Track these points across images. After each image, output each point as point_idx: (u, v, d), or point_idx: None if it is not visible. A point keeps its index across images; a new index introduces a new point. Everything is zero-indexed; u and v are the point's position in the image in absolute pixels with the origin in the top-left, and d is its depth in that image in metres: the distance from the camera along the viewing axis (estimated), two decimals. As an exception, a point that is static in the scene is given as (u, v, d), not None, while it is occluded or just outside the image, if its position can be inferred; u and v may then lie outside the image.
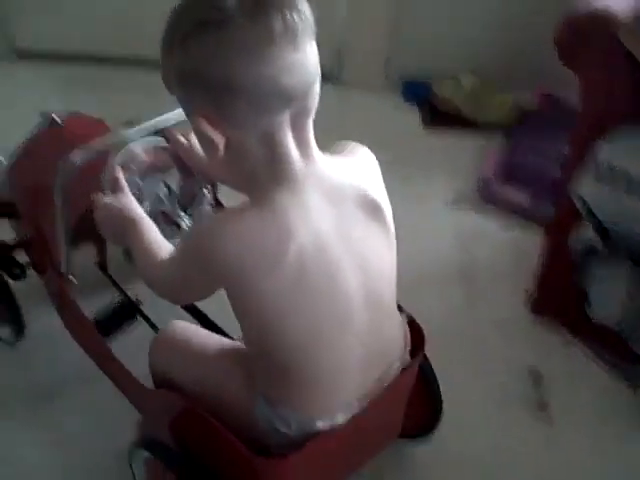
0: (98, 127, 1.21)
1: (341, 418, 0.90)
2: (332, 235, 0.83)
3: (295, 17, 0.76)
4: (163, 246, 0.96)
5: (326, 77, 1.79)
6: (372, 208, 0.87)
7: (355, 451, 1.01)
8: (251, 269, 0.79)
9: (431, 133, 2.03)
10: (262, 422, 0.89)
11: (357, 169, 0.88)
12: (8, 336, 1.35)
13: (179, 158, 1.10)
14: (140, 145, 1.08)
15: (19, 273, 1.27)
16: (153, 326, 1.26)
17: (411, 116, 2.09)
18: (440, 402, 1.14)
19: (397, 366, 0.96)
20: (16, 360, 1.35)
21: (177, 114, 1.05)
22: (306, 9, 0.78)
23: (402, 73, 2.15)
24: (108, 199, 1.00)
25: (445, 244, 1.70)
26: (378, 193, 0.89)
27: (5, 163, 1.26)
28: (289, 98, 0.78)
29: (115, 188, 1.01)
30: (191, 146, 1.08)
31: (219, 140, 0.80)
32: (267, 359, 0.87)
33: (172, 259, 0.91)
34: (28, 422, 1.25)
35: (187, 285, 0.90)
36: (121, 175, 1.02)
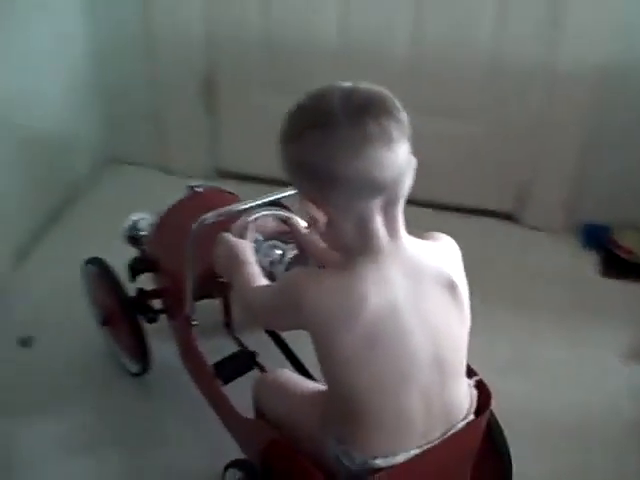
0: (231, 198, 1.43)
1: (401, 459, 1.02)
2: (406, 304, 0.98)
3: (391, 123, 0.92)
4: (262, 281, 1.14)
5: (506, 216, 1.98)
6: (448, 286, 1.02)
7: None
8: (331, 321, 0.96)
9: (608, 281, 1.97)
10: (331, 456, 1.05)
11: (438, 251, 1.04)
12: (136, 370, 1.57)
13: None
14: (269, 213, 1.29)
15: (153, 317, 1.49)
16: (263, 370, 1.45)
17: (588, 261, 2.02)
18: (510, 466, 1.24)
19: (461, 426, 1.08)
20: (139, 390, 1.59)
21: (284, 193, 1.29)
22: (402, 116, 0.94)
23: (582, 217, 2.09)
24: (229, 237, 1.21)
25: (615, 400, 1.62)
26: (456, 274, 1.03)
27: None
28: (380, 188, 0.93)
29: (240, 234, 1.23)
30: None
31: (321, 218, 0.96)
32: (338, 403, 1.03)
33: (269, 290, 1.09)
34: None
35: (275, 316, 1.07)
36: (250, 227, 1.25)
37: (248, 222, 1.25)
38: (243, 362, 1.45)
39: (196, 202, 1.38)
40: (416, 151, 1.87)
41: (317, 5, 1.89)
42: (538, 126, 1.93)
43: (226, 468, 1.21)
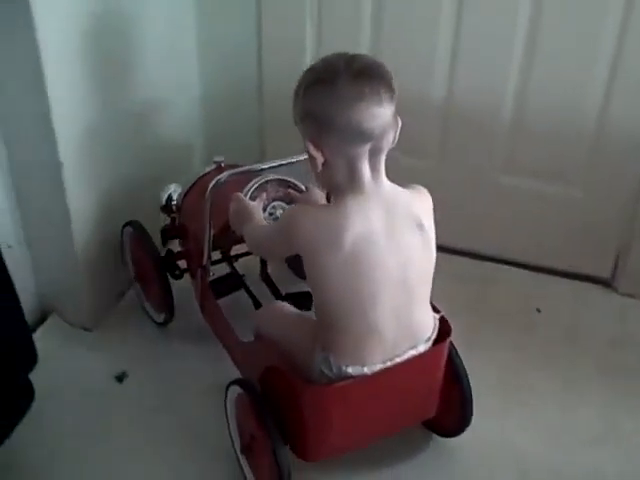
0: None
1: (368, 370, 1.23)
2: (381, 234, 1.20)
3: (382, 86, 1.15)
4: (265, 226, 1.40)
5: (602, 282, 2.06)
6: (417, 225, 1.24)
7: (386, 409, 1.32)
8: (318, 246, 1.18)
9: None
10: (316, 366, 1.25)
11: (413, 197, 1.26)
12: (161, 320, 1.80)
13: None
14: (273, 179, 1.53)
15: (178, 274, 1.73)
16: (257, 302, 1.68)
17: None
18: (470, 400, 1.41)
19: (423, 348, 1.28)
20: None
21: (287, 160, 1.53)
22: (392, 83, 1.17)
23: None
24: (241, 196, 1.46)
25: None
26: (425, 217, 1.25)
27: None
28: (368, 137, 1.16)
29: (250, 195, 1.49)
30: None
31: (320, 159, 1.19)
32: (322, 316, 1.25)
33: (269, 229, 1.36)
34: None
35: (276, 245, 1.30)
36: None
37: (257, 182, 1.49)
38: (234, 281, 1.71)
39: (217, 174, 1.57)
40: (515, 210, 2.00)
41: (427, 63, 1.92)
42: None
43: (228, 386, 1.42)
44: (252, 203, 1.47)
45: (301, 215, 1.23)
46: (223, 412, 1.50)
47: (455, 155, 2.02)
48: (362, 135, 1.15)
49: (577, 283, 2.06)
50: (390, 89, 1.16)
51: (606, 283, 2.05)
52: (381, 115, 1.15)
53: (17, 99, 1.55)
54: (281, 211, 1.52)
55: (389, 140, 1.19)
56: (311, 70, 1.20)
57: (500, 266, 2.10)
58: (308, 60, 2.01)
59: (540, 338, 1.85)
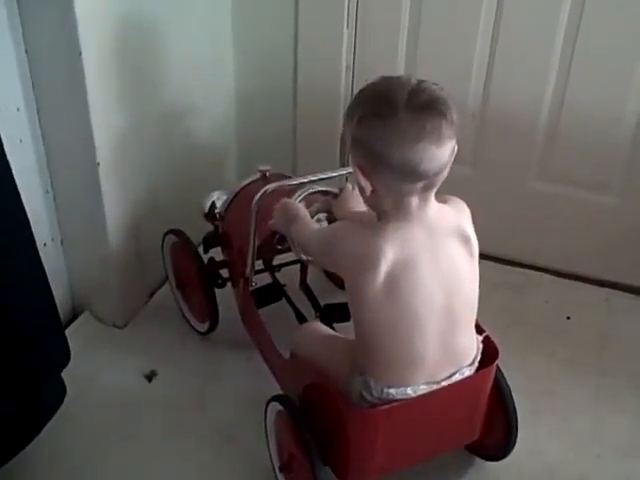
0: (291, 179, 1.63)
1: (411, 392, 1.21)
2: (424, 261, 1.16)
3: (445, 124, 1.07)
4: (314, 224, 1.37)
5: (632, 291, 2.02)
6: (464, 240, 1.21)
7: (429, 432, 1.30)
8: (355, 265, 1.16)
9: None
10: (355, 388, 1.24)
11: (455, 211, 1.23)
12: (204, 330, 1.79)
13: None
14: (319, 189, 1.52)
15: (221, 283, 1.72)
16: (300, 316, 1.67)
17: None
18: (515, 421, 1.39)
19: (468, 371, 1.26)
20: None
21: (337, 172, 1.53)
22: (455, 118, 1.08)
23: None
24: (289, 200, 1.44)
25: None
26: (469, 229, 1.22)
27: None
28: (423, 178, 1.09)
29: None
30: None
31: (367, 187, 1.14)
32: (362, 339, 1.23)
33: (317, 234, 1.31)
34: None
35: (321, 256, 1.28)
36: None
37: (302, 193, 1.47)
38: (275, 291, 1.70)
39: (263, 183, 1.56)
40: (548, 216, 2.00)
41: (464, 69, 1.91)
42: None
43: (268, 402, 1.41)
44: (301, 206, 1.44)
45: (346, 233, 1.20)
46: (254, 416, 1.51)
47: (489, 161, 2.01)
48: (417, 176, 1.09)
49: (609, 291, 2.04)
50: (451, 126, 1.08)
51: (638, 291, 2.04)
52: (439, 156, 1.08)
53: (57, 100, 1.55)
54: (325, 223, 1.50)
55: (444, 176, 1.13)
56: (368, 97, 1.12)
57: (531, 272, 2.09)
58: (344, 70, 2.02)
59: (570, 345, 1.84)
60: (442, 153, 1.09)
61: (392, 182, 1.11)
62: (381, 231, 1.16)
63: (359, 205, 1.43)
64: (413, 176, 1.09)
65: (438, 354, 1.21)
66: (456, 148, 1.12)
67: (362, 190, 1.16)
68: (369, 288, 1.15)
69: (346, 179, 1.88)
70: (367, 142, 1.10)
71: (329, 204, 1.51)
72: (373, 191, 1.14)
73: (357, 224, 1.22)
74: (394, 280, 1.15)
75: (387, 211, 1.16)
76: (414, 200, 1.14)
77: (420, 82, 1.09)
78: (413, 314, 1.18)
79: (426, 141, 1.06)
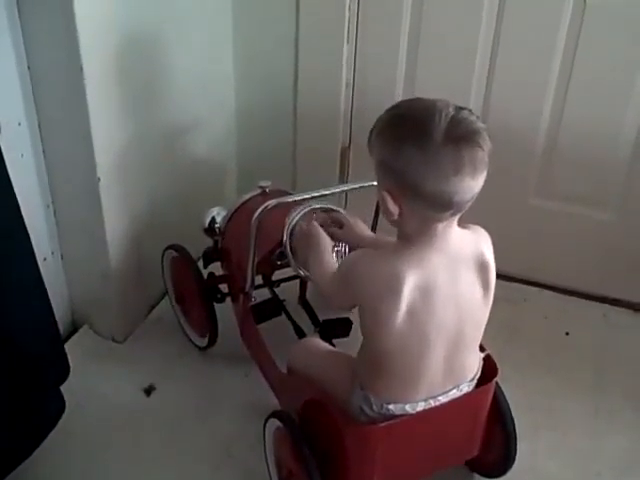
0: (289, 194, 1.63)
1: (410, 409, 1.21)
2: (442, 286, 1.15)
3: (480, 155, 1.05)
4: (332, 263, 1.34)
5: (630, 307, 2.01)
6: (482, 267, 1.20)
7: (428, 448, 1.30)
8: (377, 294, 1.14)
9: None
10: (355, 403, 1.24)
11: (475, 238, 1.21)
12: (203, 344, 1.79)
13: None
14: (319, 206, 1.51)
15: (220, 298, 1.71)
16: (299, 331, 1.67)
17: None
18: (514, 437, 1.39)
19: (467, 388, 1.27)
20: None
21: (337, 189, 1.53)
22: (489, 147, 1.06)
23: None
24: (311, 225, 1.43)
25: None
26: (488, 256, 1.21)
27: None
28: (454, 207, 1.08)
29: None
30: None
31: (395, 211, 1.11)
32: (367, 356, 1.23)
33: (333, 273, 1.28)
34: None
35: (337, 294, 1.25)
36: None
37: (301, 210, 1.47)
38: (275, 306, 1.70)
39: (263, 199, 1.56)
40: (546, 232, 2.01)
41: (463, 85, 1.91)
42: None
43: (267, 418, 1.41)
44: (325, 236, 1.41)
45: (364, 262, 1.17)
46: (252, 431, 1.50)
47: (488, 177, 2.00)
48: (449, 206, 1.08)
49: (607, 307, 2.05)
50: (486, 155, 1.06)
51: (636, 307, 2.05)
52: (474, 187, 1.07)
53: (58, 114, 1.56)
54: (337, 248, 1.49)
55: (471, 202, 1.11)
56: (403, 122, 1.08)
57: (529, 288, 2.09)
58: (344, 85, 2.02)
59: (569, 362, 1.84)
60: (476, 184, 1.07)
61: (422, 210, 1.09)
62: (404, 256, 1.14)
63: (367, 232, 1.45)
64: (445, 206, 1.08)
65: (440, 373, 1.22)
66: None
67: (388, 212, 1.13)
68: (389, 313, 1.14)
69: (345, 195, 1.89)
70: (401, 171, 1.07)
71: (331, 233, 1.49)
72: (400, 215, 1.12)
73: (375, 251, 1.21)
74: (414, 306, 1.14)
75: (410, 235, 1.15)
76: (440, 226, 1.13)
77: (458, 111, 1.06)
78: (425, 339, 1.17)
79: (462, 174, 1.04)
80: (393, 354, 1.18)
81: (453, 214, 1.11)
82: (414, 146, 1.04)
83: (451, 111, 1.05)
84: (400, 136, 1.07)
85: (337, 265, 1.33)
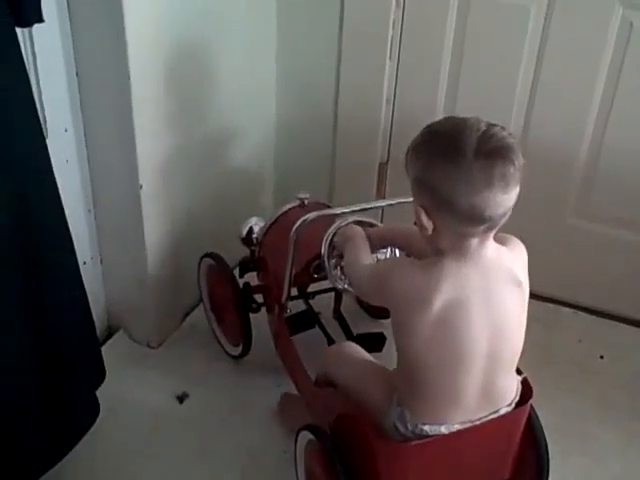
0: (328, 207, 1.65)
1: (445, 430, 1.21)
2: (476, 302, 1.15)
3: (512, 171, 1.06)
4: (367, 258, 1.34)
5: None
6: (517, 284, 1.19)
7: (460, 469, 1.30)
8: (407, 302, 1.15)
9: None
10: (389, 419, 1.24)
11: (512, 254, 1.21)
12: (237, 353, 1.79)
13: None
14: (358, 219, 1.51)
15: (256, 308, 1.72)
16: (332, 341, 1.67)
17: None
18: (546, 461, 1.38)
19: (504, 411, 1.25)
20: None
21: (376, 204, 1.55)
22: (521, 162, 1.07)
23: None
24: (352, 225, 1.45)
25: None
26: (523, 274, 1.21)
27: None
28: (487, 221, 1.08)
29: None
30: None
31: (429, 226, 1.12)
32: (403, 372, 1.22)
33: (368, 269, 1.29)
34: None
35: (369, 291, 1.28)
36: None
37: (340, 224, 1.48)
38: (309, 319, 1.71)
39: (302, 211, 1.58)
40: (583, 253, 2.00)
41: (505, 103, 1.90)
42: None
43: (299, 431, 1.41)
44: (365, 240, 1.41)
45: (399, 270, 1.19)
46: (282, 441, 1.51)
47: (526, 195, 2.00)
48: (482, 220, 1.08)
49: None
50: (518, 170, 1.07)
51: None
52: (506, 202, 1.08)
53: (104, 122, 1.59)
54: (384, 251, 1.49)
55: (507, 217, 1.11)
56: (436, 139, 1.11)
57: (566, 309, 2.08)
58: (384, 101, 2.03)
59: (602, 386, 1.82)
60: (509, 198, 1.08)
61: (456, 225, 1.10)
62: (437, 268, 1.15)
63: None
64: (478, 221, 1.08)
65: (477, 395, 1.21)
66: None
67: (422, 228, 1.14)
68: (420, 324, 1.14)
69: (382, 211, 1.89)
70: (434, 186, 1.09)
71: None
72: (434, 230, 1.13)
73: (412, 260, 1.21)
74: (445, 319, 1.14)
75: (445, 250, 1.15)
76: (474, 241, 1.13)
77: (489, 127, 1.08)
78: (459, 356, 1.17)
79: (494, 189, 1.05)
80: (426, 368, 1.18)
81: (487, 230, 1.11)
82: (446, 161, 1.07)
83: (482, 127, 1.07)
84: (433, 152, 1.09)
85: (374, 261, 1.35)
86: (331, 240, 1.47)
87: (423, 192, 1.12)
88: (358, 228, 1.43)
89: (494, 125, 1.09)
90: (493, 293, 1.17)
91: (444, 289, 1.13)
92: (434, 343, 1.15)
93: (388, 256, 1.47)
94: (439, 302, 1.13)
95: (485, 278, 1.16)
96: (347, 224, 1.49)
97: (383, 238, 1.45)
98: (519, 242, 1.24)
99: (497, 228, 1.13)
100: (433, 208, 1.11)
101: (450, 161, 1.06)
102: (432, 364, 1.17)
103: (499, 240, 1.19)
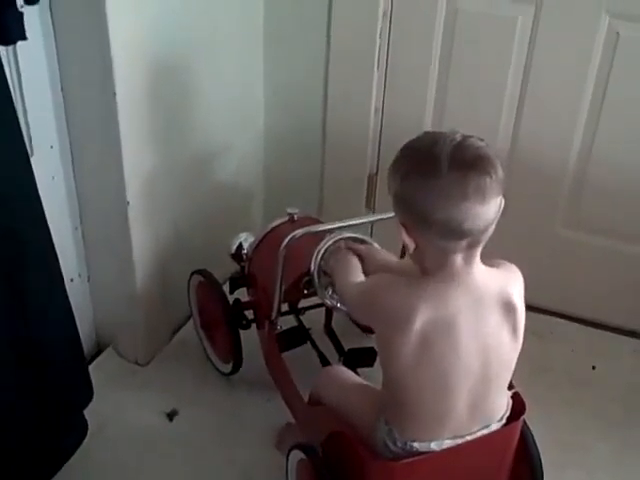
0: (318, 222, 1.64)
1: (435, 447, 1.19)
2: (464, 324, 1.13)
3: (489, 182, 1.03)
4: (359, 277, 1.33)
5: None
6: (508, 309, 1.16)
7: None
8: (389, 320, 1.13)
9: None
10: (379, 437, 1.22)
11: (504, 277, 1.18)
12: (227, 370, 1.78)
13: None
14: (349, 236, 1.50)
15: (246, 324, 1.70)
16: (324, 360, 1.67)
17: None
18: (540, 475, 1.37)
19: (495, 427, 1.24)
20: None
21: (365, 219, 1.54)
22: (500, 174, 1.05)
23: None
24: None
25: None
26: (517, 298, 1.18)
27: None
28: (468, 235, 1.06)
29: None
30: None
31: (410, 244, 1.11)
32: (390, 393, 1.21)
33: (358, 286, 1.28)
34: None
35: (360, 308, 1.26)
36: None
37: (330, 239, 1.47)
38: (300, 335, 1.70)
39: (291, 227, 1.56)
40: (574, 264, 1.99)
41: (492, 115, 1.90)
42: None
43: (290, 450, 1.40)
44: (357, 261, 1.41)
45: (386, 284, 1.17)
46: (274, 458, 1.50)
47: (516, 207, 1.99)
48: (461, 234, 1.06)
49: (636, 342, 2.02)
50: (497, 182, 1.05)
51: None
52: (484, 214, 1.05)
53: (90, 138, 1.58)
54: None
55: (489, 233, 1.09)
56: (411, 154, 1.10)
57: (556, 320, 2.07)
58: (372, 111, 2.02)
59: (595, 396, 1.82)
60: (487, 211, 1.06)
61: (436, 240, 1.08)
62: (419, 289, 1.13)
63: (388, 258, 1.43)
64: (457, 234, 1.06)
65: (466, 413, 1.19)
66: (503, 202, 1.09)
67: (406, 245, 1.13)
68: (400, 344, 1.12)
69: (371, 227, 1.88)
70: (410, 200, 1.08)
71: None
72: (416, 248, 1.12)
73: (399, 278, 1.18)
74: (428, 341, 1.12)
75: (429, 269, 1.14)
76: (458, 259, 1.11)
77: (465, 138, 1.06)
78: (444, 377, 1.15)
79: (470, 201, 1.03)
80: (409, 389, 1.16)
81: (470, 246, 1.09)
82: (421, 174, 1.05)
83: (458, 138, 1.06)
84: (408, 166, 1.08)
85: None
86: (321, 256, 1.46)
87: (402, 208, 1.11)
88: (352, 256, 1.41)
89: (470, 137, 1.07)
90: (483, 315, 1.15)
91: (423, 308, 1.11)
92: (416, 363, 1.13)
93: None
94: (419, 322, 1.11)
95: (473, 300, 1.13)
96: (338, 240, 1.48)
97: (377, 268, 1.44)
98: (515, 268, 1.21)
99: (481, 245, 1.11)
100: (412, 224, 1.10)
101: (424, 174, 1.05)
102: (416, 386, 1.15)
103: (492, 265, 1.18)
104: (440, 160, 1.04)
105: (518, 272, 1.21)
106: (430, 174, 1.04)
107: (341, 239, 1.49)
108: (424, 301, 1.11)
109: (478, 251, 1.12)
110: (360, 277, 1.35)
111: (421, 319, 1.11)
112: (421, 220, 1.07)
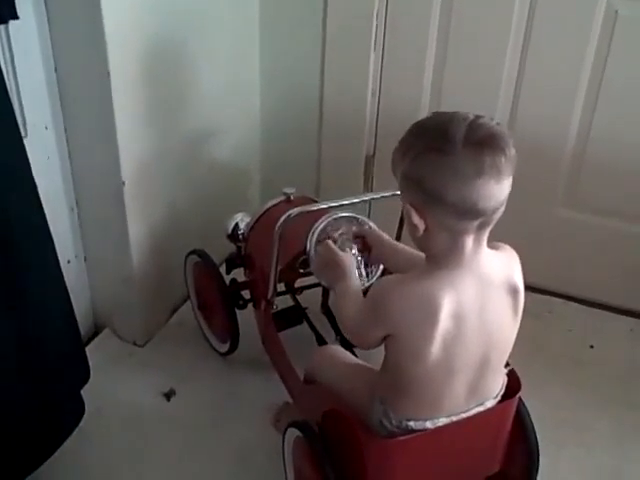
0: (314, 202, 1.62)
1: (430, 425, 1.19)
2: (471, 311, 1.12)
3: (502, 160, 1.01)
4: (358, 298, 1.27)
5: None
6: (512, 291, 1.16)
7: (449, 463, 1.28)
8: (411, 322, 1.10)
9: None
10: (374, 417, 1.23)
11: (506, 260, 1.18)
12: (224, 350, 1.78)
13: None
14: (346, 215, 1.49)
15: (242, 304, 1.71)
16: (321, 339, 1.67)
17: None
18: (536, 453, 1.37)
19: (490, 404, 1.24)
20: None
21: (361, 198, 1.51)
22: (513, 153, 1.02)
23: None
24: (335, 248, 1.40)
25: None
26: (519, 280, 1.18)
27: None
28: (480, 215, 1.04)
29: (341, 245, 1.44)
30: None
31: (420, 225, 1.08)
32: (391, 377, 1.20)
33: (359, 309, 1.21)
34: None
35: (367, 330, 1.17)
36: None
37: (326, 219, 1.46)
38: (297, 314, 1.70)
39: (287, 207, 1.54)
40: (573, 244, 1.99)
41: (491, 94, 1.90)
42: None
43: (287, 427, 1.40)
44: (347, 256, 1.39)
45: (398, 288, 1.12)
46: (271, 437, 1.50)
47: (516, 187, 1.99)
48: (474, 213, 1.04)
49: (635, 321, 2.02)
50: (510, 162, 1.02)
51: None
52: (498, 193, 1.03)
53: (84, 119, 1.57)
54: (349, 249, 1.47)
55: (499, 214, 1.07)
56: (424, 132, 1.07)
57: (554, 299, 2.07)
58: (369, 93, 2.01)
59: (593, 375, 1.82)
60: (501, 190, 1.04)
61: (448, 220, 1.05)
62: (436, 278, 1.10)
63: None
64: (470, 214, 1.04)
65: (464, 394, 1.19)
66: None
67: (414, 229, 1.09)
68: (426, 344, 1.10)
69: (369, 205, 1.87)
70: (422, 179, 1.04)
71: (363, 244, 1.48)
72: (426, 230, 1.09)
73: (406, 276, 1.16)
74: (446, 336, 1.11)
75: (438, 254, 1.11)
76: (468, 241, 1.09)
77: (477, 117, 1.05)
78: (451, 367, 1.15)
79: (485, 178, 1.01)
80: (419, 381, 1.15)
81: (481, 227, 1.07)
82: (434, 152, 1.03)
83: (470, 117, 1.04)
84: (421, 145, 1.05)
85: (363, 296, 1.27)
86: (317, 235, 1.46)
87: (412, 188, 1.07)
88: (342, 258, 1.38)
89: (481, 116, 1.05)
90: (488, 303, 1.14)
91: (447, 301, 1.09)
92: (433, 360, 1.12)
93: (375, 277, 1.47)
94: (444, 317, 1.09)
95: (480, 288, 1.13)
96: (333, 219, 1.48)
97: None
98: (512, 250, 1.21)
99: (490, 226, 1.09)
100: (423, 204, 1.06)
101: (438, 152, 1.02)
102: (426, 378, 1.15)
103: (493, 247, 1.17)
104: (455, 137, 1.01)
105: (515, 253, 1.20)
106: (444, 151, 1.02)
107: (337, 218, 1.49)
108: (445, 290, 1.09)
109: (487, 233, 1.11)
110: (358, 288, 1.33)
111: (445, 312, 1.09)
112: (434, 200, 1.04)
